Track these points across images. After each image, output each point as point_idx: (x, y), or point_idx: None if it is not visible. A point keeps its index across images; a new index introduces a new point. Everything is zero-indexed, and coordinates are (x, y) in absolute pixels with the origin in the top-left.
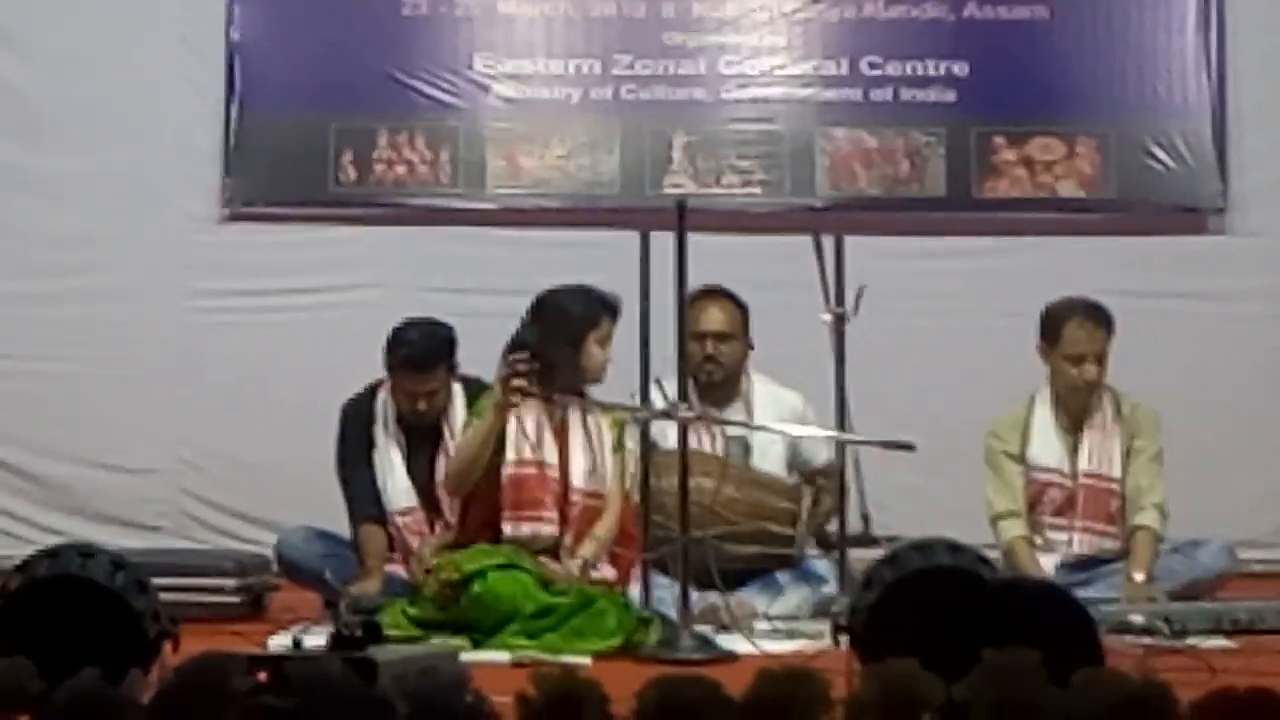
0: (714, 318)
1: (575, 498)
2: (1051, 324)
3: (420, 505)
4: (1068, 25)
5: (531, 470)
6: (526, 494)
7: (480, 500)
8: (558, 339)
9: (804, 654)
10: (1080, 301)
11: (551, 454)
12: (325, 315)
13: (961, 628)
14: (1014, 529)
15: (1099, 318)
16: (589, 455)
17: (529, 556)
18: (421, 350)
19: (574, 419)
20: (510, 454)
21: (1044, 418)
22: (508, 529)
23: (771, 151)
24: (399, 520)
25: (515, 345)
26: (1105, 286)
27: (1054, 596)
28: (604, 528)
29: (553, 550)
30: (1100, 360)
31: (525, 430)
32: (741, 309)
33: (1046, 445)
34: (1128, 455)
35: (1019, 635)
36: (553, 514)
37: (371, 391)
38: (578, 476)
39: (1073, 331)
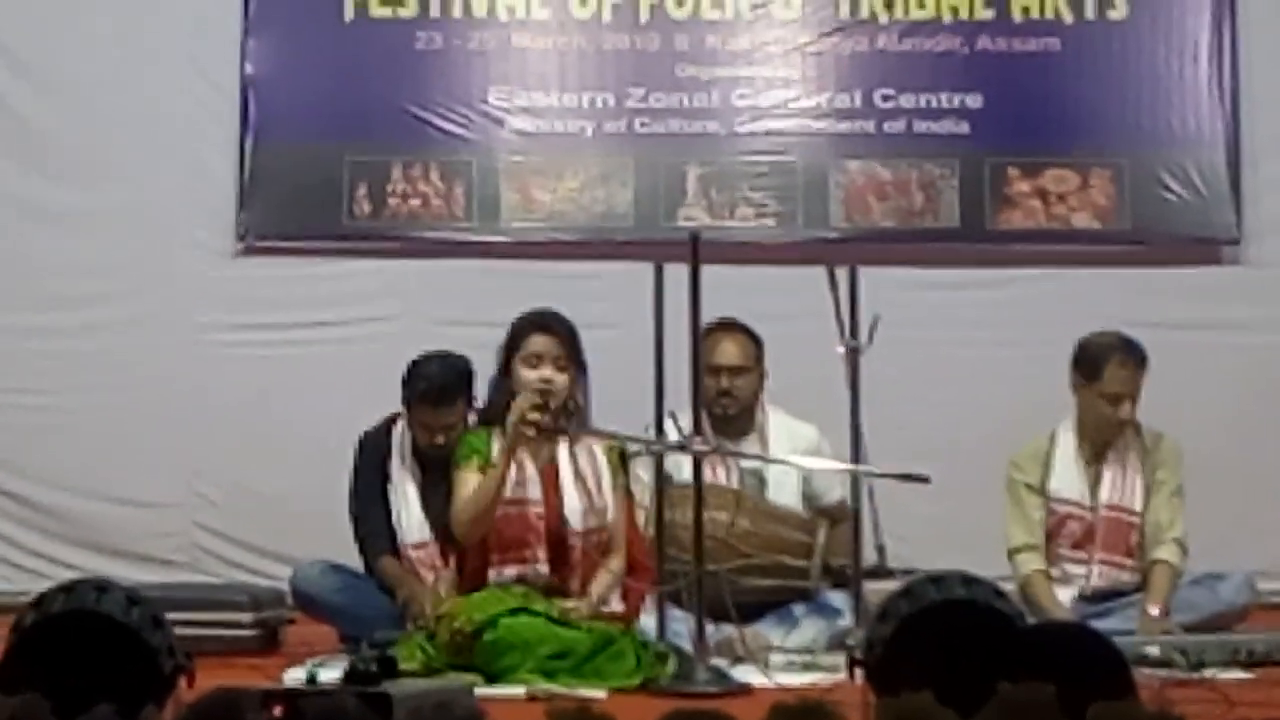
0: (728, 352)
1: (574, 541)
2: (1091, 361)
3: (434, 539)
4: (1080, 57)
5: (514, 510)
6: (511, 535)
7: (473, 544)
8: (500, 370)
9: (819, 687)
10: (1119, 339)
11: (535, 491)
12: (340, 348)
13: (979, 662)
14: (1032, 563)
15: (1138, 357)
16: (583, 493)
17: (540, 598)
18: (440, 384)
19: (563, 455)
20: None
21: (1067, 450)
22: (492, 574)
23: (785, 184)
24: (412, 554)
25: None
26: (1120, 317)
27: (1086, 638)
28: (615, 563)
29: (560, 594)
30: (1135, 399)
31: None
32: (755, 342)
33: (1068, 477)
34: (1149, 488)
35: (1050, 675)
36: (540, 552)
37: (388, 424)
38: (574, 518)
39: (1114, 371)
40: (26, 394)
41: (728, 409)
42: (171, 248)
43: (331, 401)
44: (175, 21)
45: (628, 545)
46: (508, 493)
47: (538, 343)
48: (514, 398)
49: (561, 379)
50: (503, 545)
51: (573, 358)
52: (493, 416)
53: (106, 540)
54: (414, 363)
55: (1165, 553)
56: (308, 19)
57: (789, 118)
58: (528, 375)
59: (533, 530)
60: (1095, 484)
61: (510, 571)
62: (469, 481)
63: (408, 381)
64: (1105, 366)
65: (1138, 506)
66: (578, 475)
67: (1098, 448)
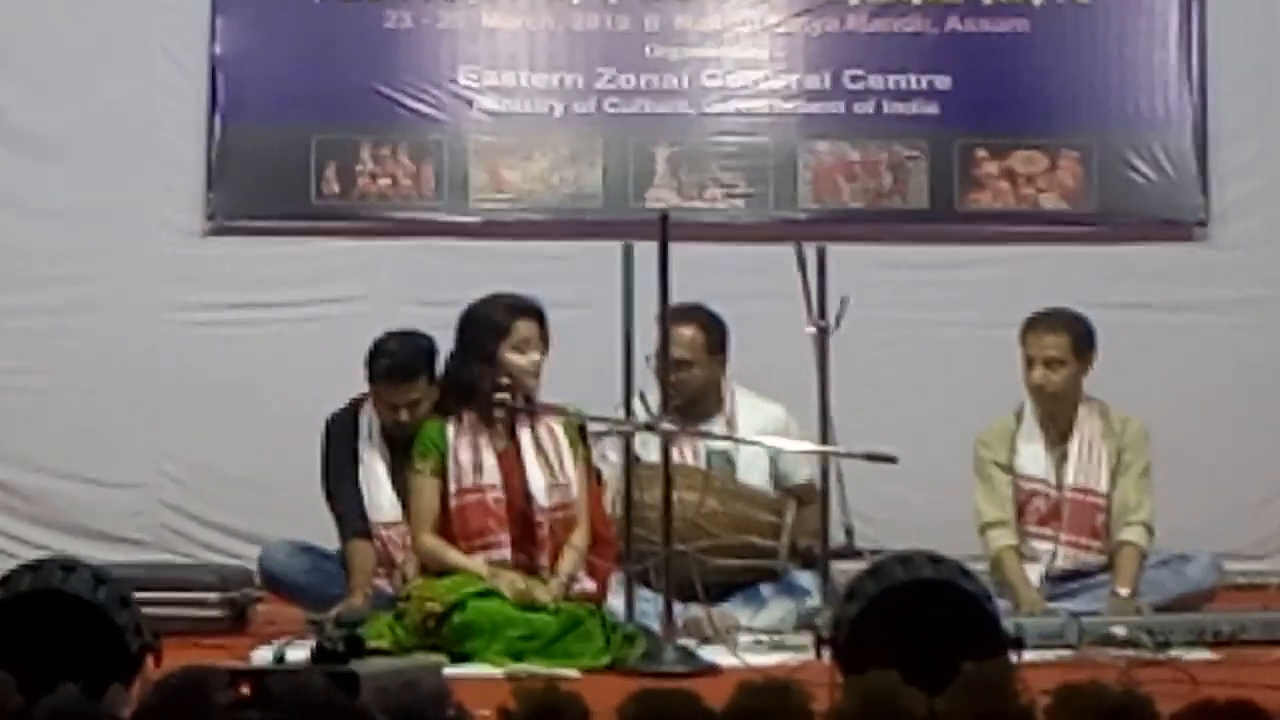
0: (676, 344)
1: (541, 518)
2: (1020, 333)
3: (405, 518)
4: (1049, 38)
5: (472, 497)
6: (473, 522)
7: (435, 531)
8: (475, 356)
9: (787, 666)
10: (1046, 310)
11: (493, 476)
12: (308, 328)
13: (946, 641)
14: (1002, 538)
15: (1054, 324)
16: (546, 471)
17: (513, 577)
18: (402, 360)
19: (524, 434)
20: (452, 484)
21: (1031, 428)
22: None
23: (755, 164)
24: (384, 533)
25: (444, 374)
26: (1088, 298)
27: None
28: (579, 537)
29: (529, 573)
30: (1051, 365)
31: (461, 456)
32: (710, 330)
33: (1033, 455)
34: (1116, 470)
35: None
36: (503, 537)
37: (355, 406)
38: (540, 495)
39: (1030, 335)
40: None
41: (672, 399)
42: (140, 228)
43: (300, 381)
44: (143, 2)
45: (590, 519)
46: (465, 480)
47: (525, 328)
48: (492, 383)
49: (542, 361)
50: (466, 533)
51: (547, 339)
52: (455, 399)
53: (74, 520)
54: (376, 341)
55: (1132, 534)
56: None
57: (758, 98)
58: (519, 361)
59: (493, 515)
60: (1060, 463)
61: (477, 559)
62: (425, 489)
63: (370, 359)
64: (1025, 333)
65: (1103, 488)
66: (540, 453)
67: (1058, 425)
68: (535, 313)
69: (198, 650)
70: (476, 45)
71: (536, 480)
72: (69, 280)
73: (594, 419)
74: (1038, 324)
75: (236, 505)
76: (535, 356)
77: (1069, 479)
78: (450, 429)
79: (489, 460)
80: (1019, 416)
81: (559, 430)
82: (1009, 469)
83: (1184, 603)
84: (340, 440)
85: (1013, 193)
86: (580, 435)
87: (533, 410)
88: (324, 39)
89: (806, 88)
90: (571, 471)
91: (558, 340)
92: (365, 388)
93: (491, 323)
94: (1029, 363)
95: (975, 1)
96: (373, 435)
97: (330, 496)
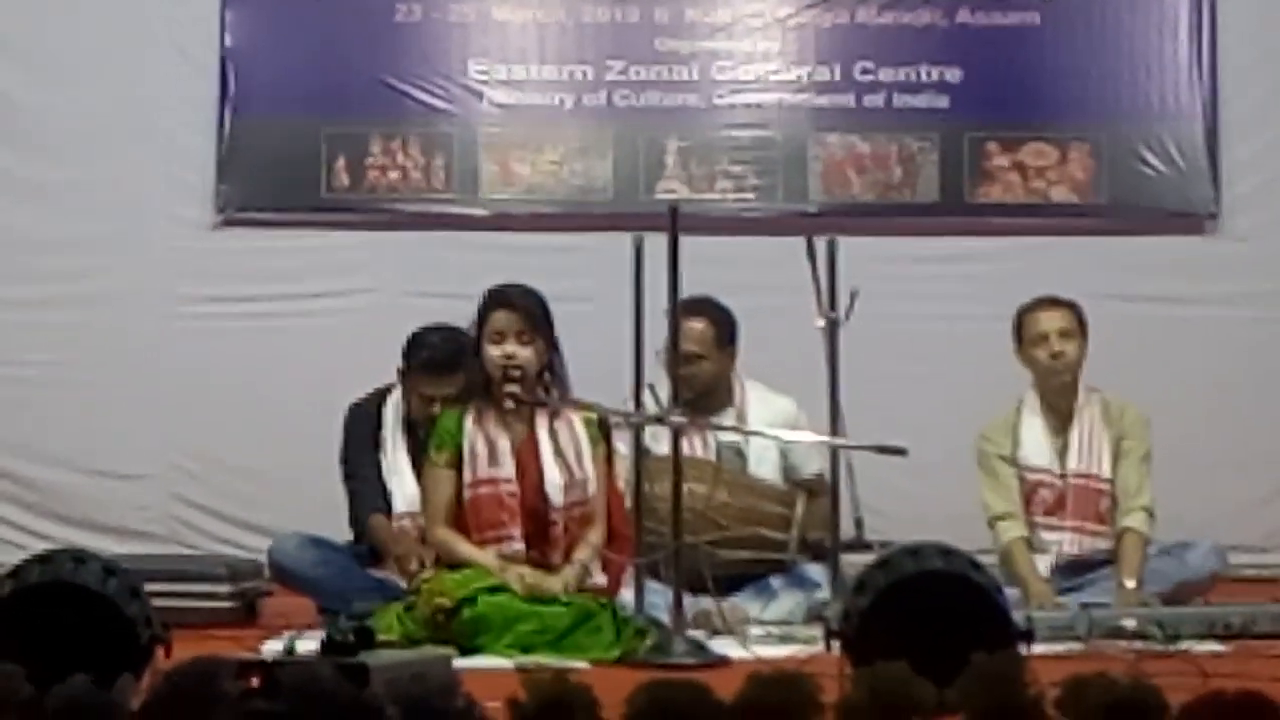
0: (685, 336)
1: (555, 516)
2: (1018, 319)
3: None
4: (1059, 31)
5: (486, 490)
6: (486, 515)
7: (449, 523)
8: (474, 347)
9: (796, 658)
10: (1042, 296)
11: (508, 469)
12: (318, 321)
13: (956, 633)
14: (1012, 530)
15: (1057, 301)
16: (563, 467)
17: (522, 571)
18: (442, 354)
19: (541, 429)
20: (466, 474)
21: (1032, 419)
22: None
23: (765, 157)
24: (399, 524)
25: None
26: (1097, 291)
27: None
28: (595, 535)
29: (541, 568)
30: (1066, 336)
31: (477, 447)
32: (720, 324)
33: (1035, 446)
34: (1116, 456)
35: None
36: (515, 530)
37: (380, 395)
38: (555, 493)
39: (1030, 317)
40: (5, 366)
41: (682, 393)
42: (150, 220)
43: (310, 373)
44: None
45: (609, 514)
46: (480, 471)
47: (499, 319)
48: (484, 375)
49: (525, 352)
50: (479, 525)
51: (538, 329)
52: (468, 394)
53: (84, 512)
54: (416, 333)
55: (1133, 520)
56: None
57: (768, 91)
58: (492, 352)
59: (506, 509)
60: (1063, 453)
61: (489, 550)
62: (440, 481)
63: (409, 351)
64: (1024, 318)
65: (1105, 473)
66: (557, 449)
67: (1061, 415)
68: (513, 303)
69: (208, 642)
70: (486, 38)
71: (552, 477)
72: (78, 273)
73: (606, 411)
74: (1039, 305)
75: (246, 498)
76: (509, 349)
77: (1071, 465)
78: (468, 420)
79: (504, 452)
80: (1019, 409)
81: (579, 426)
82: (1012, 461)
83: (1186, 590)
84: (362, 427)
85: (1023, 185)
86: (601, 432)
87: (543, 404)
88: (334, 32)
89: (817, 80)
90: (590, 468)
91: (567, 333)
92: (377, 379)
93: (477, 313)
94: (1040, 340)
95: None
96: (398, 426)
97: (348, 476)
